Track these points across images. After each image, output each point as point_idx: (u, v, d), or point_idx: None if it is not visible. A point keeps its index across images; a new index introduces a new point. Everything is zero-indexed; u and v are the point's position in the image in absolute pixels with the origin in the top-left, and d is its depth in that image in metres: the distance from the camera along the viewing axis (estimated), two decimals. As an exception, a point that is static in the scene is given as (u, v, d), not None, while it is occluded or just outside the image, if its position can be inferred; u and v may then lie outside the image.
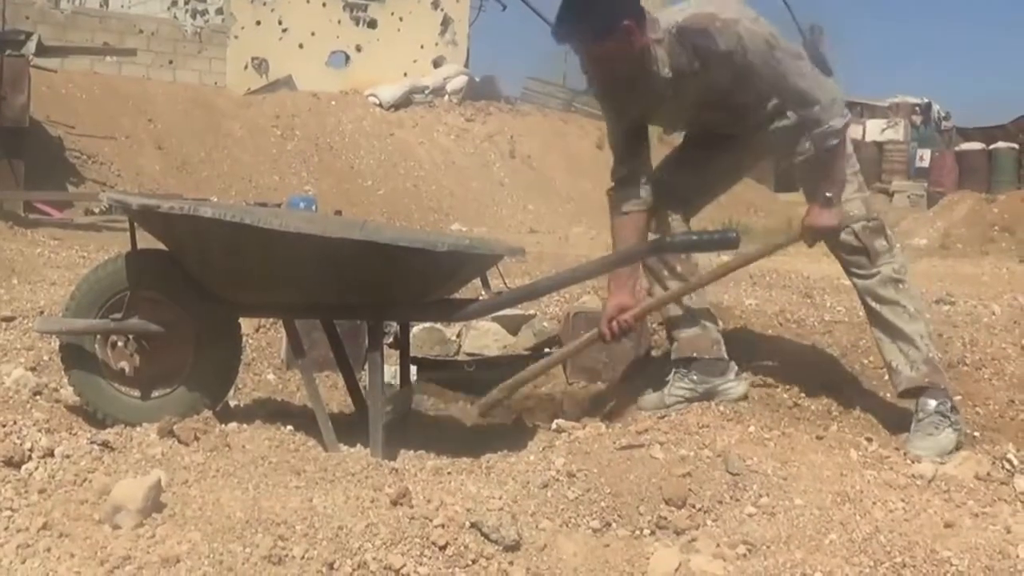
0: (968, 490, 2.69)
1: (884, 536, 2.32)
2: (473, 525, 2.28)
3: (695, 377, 3.58)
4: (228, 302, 3.05)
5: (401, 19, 19.55)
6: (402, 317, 3.30)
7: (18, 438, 2.65)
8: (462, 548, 2.21)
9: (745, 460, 2.68)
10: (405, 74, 18.77)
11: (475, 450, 2.97)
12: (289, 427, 3.01)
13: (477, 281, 3.27)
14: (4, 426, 2.74)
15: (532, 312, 4.62)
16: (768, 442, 2.93)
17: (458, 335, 4.50)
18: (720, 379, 3.59)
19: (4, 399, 3.20)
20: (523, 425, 3.61)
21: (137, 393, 3.11)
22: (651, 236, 3.49)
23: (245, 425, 2.98)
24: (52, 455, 2.60)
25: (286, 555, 2.11)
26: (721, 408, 3.39)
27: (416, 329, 4.18)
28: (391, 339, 3.73)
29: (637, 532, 2.45)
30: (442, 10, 20.14)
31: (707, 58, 3.17)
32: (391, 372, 3.46)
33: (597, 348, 4.09)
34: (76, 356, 3.09)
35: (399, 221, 13.22)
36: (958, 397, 3.76)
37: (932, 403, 3.34)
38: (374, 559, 2.14)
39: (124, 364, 3.07)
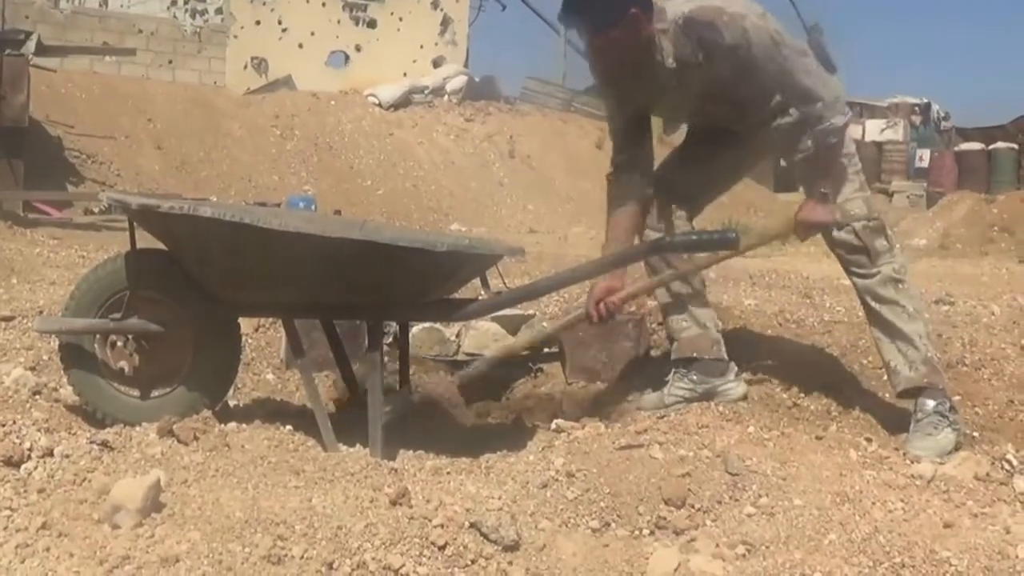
0: (967, 490, 2.69)
1: (883, 536, 2.32)
2: (472, 525, 2.28)
3: (695, 377, 3.59)
4: (227, 302, 3.05)
5: (401, 19, 19.55)
6: (402, 317, 3.30)
7: (17, 437, 2.65)
8: (461, 548, 2.21)
9: (744, 460, 2.68)
10: (405, 74, 18.77)
11: (474, 450, 2.97)
12: (288, 427, 3.01)
13: (476, 281, 3.27)
14: (3, 425, 2.74)
15: (531, 312, 4.62)
16: (767, 442, 2.93)
17: (457, 335, 4.50)
18: (720, 380, 3.60)
19: (3, 399, 3.20)
20: (522, 425, 3.61)
21: (136, 393, 3.11)
22: (653, 235, 3.49)
23: (244, 425, 2.98)
24: (51, 455, 2.60)
25: (285, 555, 2.11)
26: (720, 408, 3.39)
27: (416, 329, 4.18)
28: (390, 339, 3.73)
29: (636, 532, 2.44)
30: (442, 10, 20.13)
31: (712, 51, 3.17)
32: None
33: (597, 348, 4.10)
34: (75, 356, 3.09)
35: (398, 221, 13.22)
36: (957, 397, 3.77)
37: (931, 403, 3.34)
38: (373, 559, 2.13)
39: (123, 364, 3.06)
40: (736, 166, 3.72)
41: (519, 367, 4.30)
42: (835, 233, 3.41)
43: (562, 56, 22.76)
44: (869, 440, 3.20)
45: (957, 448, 3.28)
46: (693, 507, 2.51)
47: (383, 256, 2.81)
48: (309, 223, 2.95)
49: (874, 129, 24.42)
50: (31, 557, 2.08)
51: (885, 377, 3.55)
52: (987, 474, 2.82)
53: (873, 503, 2.52)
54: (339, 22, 18.98)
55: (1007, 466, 2.97)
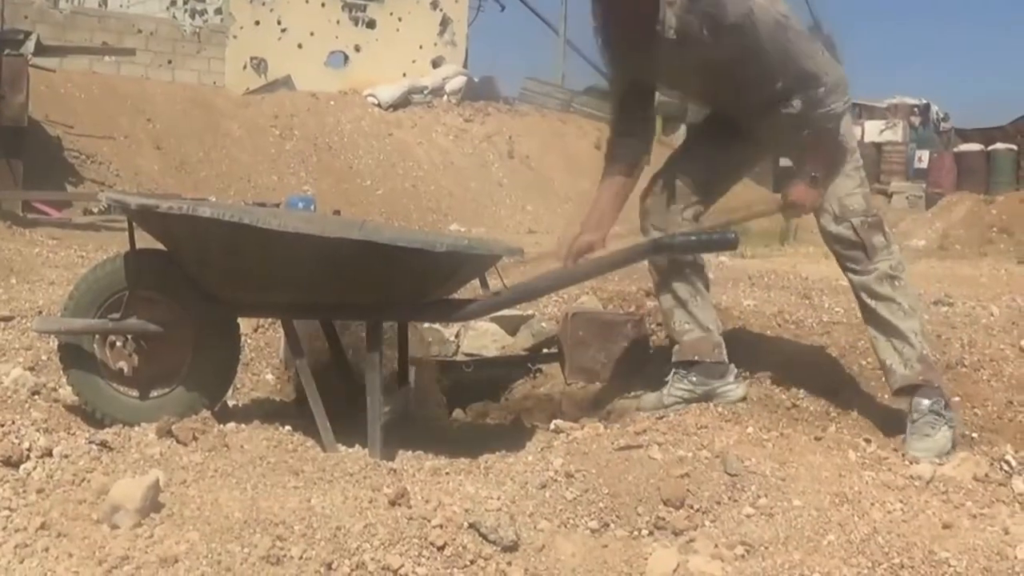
0: (966, 491, 2.69)
1: (882, 537, 2.32)
2: (471, 525, 2.28)
3: (694, 379, 3.58)
4: (226, 302, 3.05)
5: (400, 19, 19.55)
6: (401, 317, 3.30)
7: (16, 438, 2.65)
8: (460, 548, 2.21)
9: (743, 461, 2.68)
10: (404, 74, 18.77)
11: (473, 450, 2.97)
12: (287, 427, 3.00)
13: (476, 281, 3.27)
14: (2, 426, 2.74)
15: (530, 312, 4.62)
16: (766, 443, 2.93)
17: (456, 335, 4.50)
18: (719, 382, 3.59)
19: (2, 399, 3.19)
20: (521, 425, 3.61)
21: (135, 393, 3.11)
22: (655, 234, 3.49)
23: (243, 425, 2.98)
24: (50, 455, 2.60)
25: (284, 555, 2.11)
26: (719, 409, 3.39)
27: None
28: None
29: (635, 533, 2.44)
30: (441, 10, 20.14)
31: (716, 28, 3.16)
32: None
33: (596, 349, 4.10)
34: (74, 356, 3.09)
35: (397, 221, 13.22)
36: (956, 398, 3.77)
37: (926, 402, 3.34)
38: (372, 559, 2.13)
39: (123, 364, 3.06)
40: (739, 162, 3.70)
41: (518, 367, 4.31)
42: (832, 228, 3.41)
43: (561, 57, 22.83)
44: (868, 441, 3.21)
45: (955, 446, 3.28)
46: (692, 508, 2.52)
47: (382, 256, 2.81)
48: (308, 223, 2.95)
49: (873, 130, 24.41)
50: (30, 557, 2.08)
51: (883, 377, 3.55)
52: (986, 475, 2.83)
53: (872, 504, 2.52)
54: (338, 22, 18.98)
55: (1006, 467, 2.97)
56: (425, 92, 18.38)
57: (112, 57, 16.00)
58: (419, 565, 2.15)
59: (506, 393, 4.22)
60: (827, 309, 4.95)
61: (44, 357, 3.70)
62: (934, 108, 28.25)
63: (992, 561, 2.24)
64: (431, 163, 16.58)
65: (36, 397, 3.27)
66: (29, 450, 2.59)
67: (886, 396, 3.65)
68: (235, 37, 17.78)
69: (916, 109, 27.25)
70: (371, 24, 19.31)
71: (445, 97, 18.67)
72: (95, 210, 10.67)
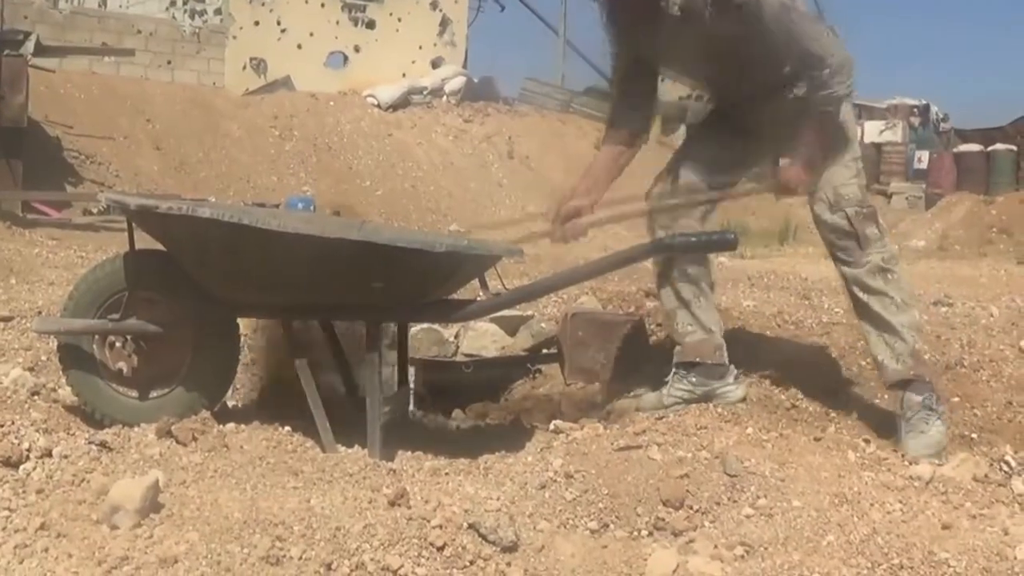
0: (966, 492, 2.69)
1: (882, 538, 2.33)
2: (471, 526, 2.28)
3: (694, 379, 3.57)
4: (226, 303, 3.05)
5: (400, 20, 19.55)
6: (400, 318, 3.30)
7: (16, 438, 2.65)
8: (460, 549, 2.21)
9: (743, 461, 2.68)
10: (403, 75, 18.78)
11: (473, 451, 2.97)
12: (287, 428, 3.00)
13: (475, 282, 3.27)
14: (2, 426, 2.74)
15: (530, 313, 4.63)
16: (766, 443, 2.93)
17: (456, 336, 4.50)
18: (719, 382, 3.58)
19: (2, 399, 3.19)
20: (521, 426, 3.61)
21: (135, 393, 3.11)
22: (662, 234, 3.48)
23: (243, 426, 2.98)
24: (50, 455, 2.60)
25: (284, 556, 2.12)
26: (719, 410, 3.39)
27: (414, 330, 4.17)
28: (388, 340, 3.72)
29: (635, 533, 2.44)
30: (440, 11, 20.14)
31: (720, 5, 3.15)
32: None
33: (595, 349, 4.10)
34: (74, 356, 3.09)
35: (397, 222, 13.22)
36: (956, 399, 3.78)
37: (917, 398, 3.34)
38: (372, 560, 2.14)
39: (122, 364, 3.06)
40: (742, 159, 3.66)
41: (518, 368, 4.31)
42: (827, 216, 3.38)
43: (561, 57, 22.84)
44: (867, 441, 3.21)
45: (947, 440, 3.29)
46: (691, 508, 2.52)
47: (382, 257, 2.81)
48: (308, 224, 2.95)
49: (873, 130, 24.40)
50: (30, 558, 2.08)
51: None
52: (985, 475, 2.83)
53: (871, 504, 2.52)
54: (338, 23, 18.98)
55: (1005, 467, 2.97)
56: (425, 92, 18.39)
57: (112, 57, 16.00)
58: (419, 566, 2.15)
59: (506, 394, 4.22)
60: (827, 310, 4.95)
61: (44, 357, 3.70)
62: (934, 108, 28.24)
63: (991, 562, 2.24)
64: (431, 163, 16.59)
65: (36, 397, 3.27)
66: (29, 450, 2.59)
67: (885, 397, 3.65)
68: (234, 38, 17.78)
69: (916, 109, 27.23)
70: (371, 24, 19.31)
71: (445, 97, 18.67)
72: (95, 211, 10.68)
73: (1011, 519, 2.49)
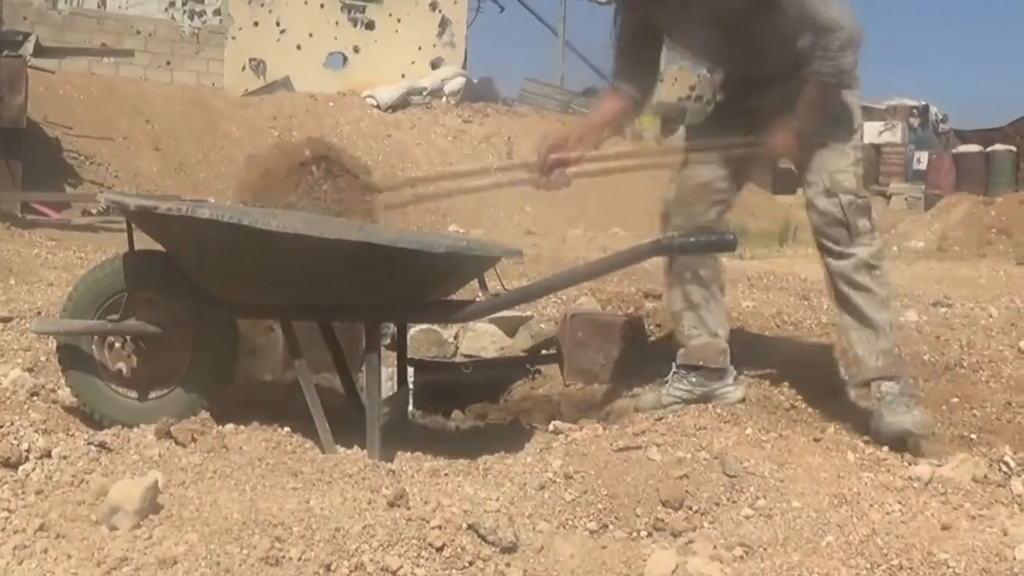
0: (965, 492, 2.69)
1: (881, 538, 2.33)
2: (470, 527, 2.28)
3: (694, 379, 3.57)
4: (226, 303, 3.05)
5: (399, 20, 19.55)
6: (400, 318, 3.30)
7: (15, 439, 2.65)
8: (459, 550, 2.21)
9: (742, 462, 2.68)
10: (403, 75, 18.78)
11: (472, 452, 2.97)
12: (286, 429, 3.00)
13: (475, 283, 3.27)
14: (1, 427, 2.74)
15: (529, 314, 4.63)
16: (765, 444, 2.93)
17: (455, 337, 4.50)
18: (718, 383, 3.58)
19: (1, 400, 3.19)
20: (520, 427, 3.61)
21: (134, 394, 3.10)
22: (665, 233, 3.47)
23: (242, 426, 2.98)
24: (49, 456, 2.60)
25: (283, 556, 2.12)
26: (718, 410, 3.39)
27: (413, 331, 4.18)
28: (388, 340, 3.73)
29: (634, 534, 2.45)
30: (440, 11, 20.14)
31: None
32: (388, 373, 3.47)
33: (594, 350, 4.10)
34: (73, 357, 3.08)
35: (396, 222, 13.20)
36: (955, 399, 3.78)
37: (896, 387, 3.35)
38: (371, 560, 2.14)
39: (121, 365, 3.06)
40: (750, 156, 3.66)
41: (517, 369, 4.31)
42: (820, 202, 3.35)
43: (560, 58, 22.85)
44: (867, 442, 3.21)
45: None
46: (691, 509, 2.52)
47: (381, 258, 2.81)
48: (307, 224, 2.95)
49: (872, 131, 24.40)
50: (29, 559, 2.08)
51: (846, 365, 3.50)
52: (984, 476, 2.83)
53: (871, 505, 2.52)
54: (337, 23, 18.98)
55: (1005, 468, 2.97)
56: (424, 93, 18.39)
57: (111, 58, 16.00)
58: (418, 566, 2.15)
59: (505, 394, 4.23)
60: (826, 310, 4.94)
61: (43, 358, 3.69)
62: (933, 109, 28.26)
63: (991, 562, 2.24)
64: (430, 164, 16.57)
65: (35, 398, 3.27)
66: (28, 451, 2.59)
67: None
68: (234, 38, 17.79)
69: (915, 110, 27.24)
70: (370, 25, 19.31)
71: (444, 98, 18.68)
72: (94, 211, 10.68)
73: (1010, 520, 2.49)
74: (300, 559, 2.12)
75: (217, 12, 17.72)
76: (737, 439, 2.93)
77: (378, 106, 17.51)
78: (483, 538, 2.26)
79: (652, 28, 3.48)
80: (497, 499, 2.49)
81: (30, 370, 3.56)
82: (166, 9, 17.42)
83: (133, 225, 3.02)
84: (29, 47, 12.11)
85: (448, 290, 3.24)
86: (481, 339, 4.48)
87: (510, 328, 4.55)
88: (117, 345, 3.06)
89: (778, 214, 15.07)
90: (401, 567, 2.13)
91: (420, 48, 19.82)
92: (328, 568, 2.11)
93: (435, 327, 4.36)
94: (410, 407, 3.81)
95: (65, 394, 3.25)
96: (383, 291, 2.94)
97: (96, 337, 3.08)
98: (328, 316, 3.24)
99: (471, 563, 2.19)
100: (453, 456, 2.95)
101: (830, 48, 3.18)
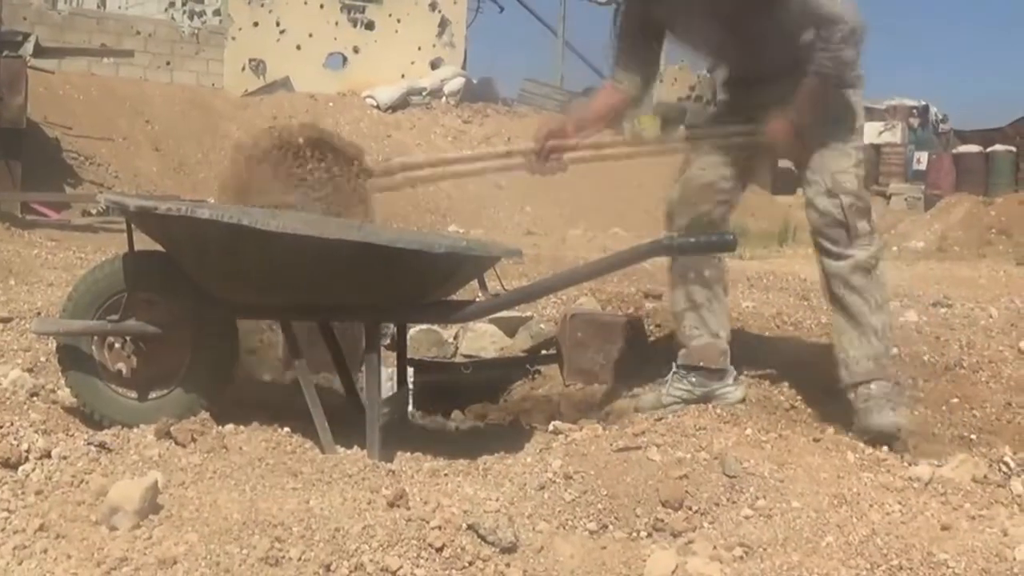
0: (965, 493, 2.69)
1: (881, 539, 2.33)
2: (470, 527, 2.28)
3: (694, 380, 3.57)
4: (225, 303, 3.05)
5: (399, 21, 19.55)
6: (400, 319, 3.30)
7: (15, 439, 2.65)
8: (459, 550, 2.21)
9: (742, 462, 2.68)
10: (402, 76, 18.78)
11: (472, 452, 2.97)
12: (286, 429, 3.00)
13: (475, 283, 3.27)
14: (1, 427, 2.74)
15: (529, 314, 4.63)
16: (765, 444, 2.93)
17: (455, 337, 4.50)
18: (718, 383, 3.58)
19: (1, 400, 3.19)
20: (520, 427, 3.61)
21: (134, 394, 3.10)
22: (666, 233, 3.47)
23: (242, 427, 2.98)
24: (49, 456, 2.60)
25: (283, 557, 2.12)
26: (718, 410, 3.39)
27: (413, 331, 4.18)
28: (388, 341, 3.73)
29: (634, 534, 2.45)
30: (439, 12, 20.14)
31: None
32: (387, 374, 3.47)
33: (594, 350, 4.10)
34: (73, 357, 3.08)
35: (396, 222, 13.21)
36: (955, 400, 3.78)
37: (885, 386, 3.37)
38: (371, 561, 2.14)
39: (121, 365, 3.06)
40: (751, 155, 3.65)
41: (517, 369, 4.31)
42: (820, 202, 3.35)
43: (560, 58, 22.83)
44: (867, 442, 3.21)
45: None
46: (690, 509, 2.52)
47: (381, 258, 2.81)
48: (307, 225, 2.95)
49: (872, 131, 24.40)
50: (29, 559, 2.08)
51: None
52: (984, 476, 2.83)
53: (871, 505, 2.52)
54: (337, 24, 18.98)
55: (1004, 468, 2.97)
56: (424, 93, 18.39)
57: (110, 59, 16.00)
58: (418, 567, 2.15)
59: (505, 394, 4.23)
60: (826, 311, 4.93)
61: (43, 358, 3.69)
62: (933, 109, 28.25)
63: (991, 563, 2.24)
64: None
65: (35, 398, 3.27)
66: (28, 452, 2.59)
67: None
68: (233, 39, 17.79)
69: (915, 110, 27.23)
70: (370, 25, 19.31)
71: (444, 98, 18.68)
72: (94, 212, 10.68)
73: (1010, 520, 2.49)
74: (300, 559, 2.12)
75: (217, 12, 17.73)
76: (737, 439, 2.93)
77: (378, 106, 17.51)
78: (483, 538, 2.26)
79: (653, 24, 3.49)
80: (497, 499, 2.49)
81: (30, 370, 3.56)
82: (166, 9, 17.43)
83: (133, 225, 3.02)
84: (29, 47, 12.11)
85: (448, 290, 3.24)
86: (481, 339, 4.48)
87: (510, 328, 4.55)
88: (117, 345, 3.06)
89: (778, 214, 15.06)
90: (401, 567, 2.13)
91: (420, 48, 19.82)
92: (328, 568, 2.11)
93: (435, 327, 4.36)
94: (410, 407, 3.81)
95: (65, 394, 3.25)
96: (383, 291, 2.94)
97: (96, 337, 3.08)
98: (328, 316, 3.24)
99: (471, 563, 2.19)
100: (453, 456, 2.94)
101: (831, 40, 3.18)
